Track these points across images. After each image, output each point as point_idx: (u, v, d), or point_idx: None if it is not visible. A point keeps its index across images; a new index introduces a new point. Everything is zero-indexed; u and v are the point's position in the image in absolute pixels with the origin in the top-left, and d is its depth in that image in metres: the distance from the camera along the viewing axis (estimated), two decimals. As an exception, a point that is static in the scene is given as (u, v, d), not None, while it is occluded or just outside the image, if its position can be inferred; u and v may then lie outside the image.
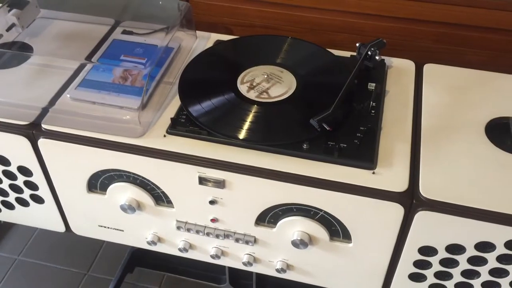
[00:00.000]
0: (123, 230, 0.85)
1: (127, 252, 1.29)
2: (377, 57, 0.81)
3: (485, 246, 0.68)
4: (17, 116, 0.76)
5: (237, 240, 0.79)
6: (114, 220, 0.84)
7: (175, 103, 0.78)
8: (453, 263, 0.71)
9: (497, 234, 0.66)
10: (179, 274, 1.29)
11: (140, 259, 1.30)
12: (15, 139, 0.76)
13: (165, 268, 1.30)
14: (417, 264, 0.73)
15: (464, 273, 0.72)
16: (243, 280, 1.22)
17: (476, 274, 0.72)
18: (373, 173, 0.68)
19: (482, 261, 0.70)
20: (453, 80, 0.84)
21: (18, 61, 0.85)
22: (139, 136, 0.73)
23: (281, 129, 0.73)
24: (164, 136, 0.73)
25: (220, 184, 0.72)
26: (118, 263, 1.29)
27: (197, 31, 0.93)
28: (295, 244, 0.74)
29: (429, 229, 0.68)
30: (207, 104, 0.76)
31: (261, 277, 1.18)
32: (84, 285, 1.31)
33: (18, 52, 0.87)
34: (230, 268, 1.20)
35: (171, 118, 0.74)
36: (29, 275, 1.33)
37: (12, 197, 0.86)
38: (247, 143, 0.71)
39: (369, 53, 0.81)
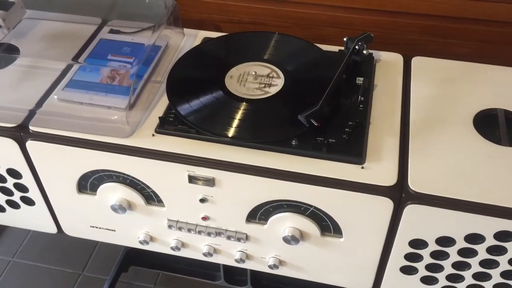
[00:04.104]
0: (114, 230, 0.85)
1: (121, 251, 1.29)
2: (364, 51, 0.81)
3: (474, 238, 0.68)
4: (4, 118, 0.76)
5: (228, 237, 0.79)
6: (105, 220, 0.84)
7: (163, 102, 0.78)
8: (444, 256, 0.72)
9: (486, 225, 0.66)
10: (174, 272, 1.29)
11: (135, 258, 1.30)
12: (3, 142, 0.75)
13: (160, 266, 1.30)
14: (408, 257, 0.73)
15: (455, 265, 0.73)
16: (238, 276, 1.22)
17: (467, 266, 0.72)
18: (362, 167, 0.69)
19: (472, 253, 0.70)
20: (441, 72, 0.84)
21: (5, 63, 0.84)
22: (127, 136, 0.73)
23: (269, 126, 0.73)
24: (153, 135, 0.73)
25: (210, 182, 0.72)
26: (112, 262, 1.29)
27: (184, 29, 0.93)
28: (286, 240, 0.74)
29: (419, 222, 0.68)
30: (196, 102, 0.76)
31: (255, 273, 1.18)
32: (79, 285, 1.31)
33: (4, 54, 0.86)
34: (225, 265, 1.20)
35: (160, 117, 0.74)
36: (24, 277, 1.33)
37: (2, 199, 0.86)
38: (236, 141, 0.71)
39: (356, 47, 0.81)
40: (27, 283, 1.31)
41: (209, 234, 0.79)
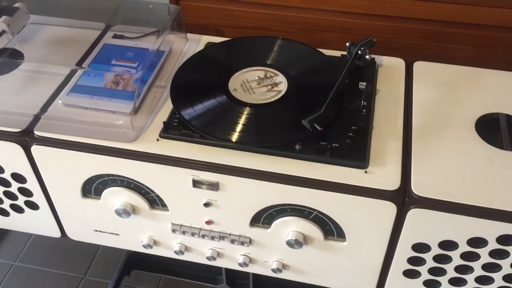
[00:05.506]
0: (118, 234, 0.86)
1: (123, 255, 1.29)
2: (367, 56, 0.82)
3: (477, 242, 0.69)
4: (10, 123, 0.76)
5: (232, 241, 0.79)
6: (109, 224, 0.84)
7: (167, 107, 0.79)
8: (447, 259, 0.72)
9: (489, 229, 0.67)
10: (176, 276, 1.29)
11: (137, 262, 1.30)
12: (8, 146, 0.76)
13: (162, 270, 1.30)
14: (411, 260, 0.74)
15: (458, 269, 0.73)
16: (240, 280, 1.23)
17: (470, 270, 0.73)
18: (366, 172, 0.69)
19: (475, 257, 0.71)
20: (443, 77, 0.85)
21: (9, 68, 0.85)
22: (132, 141, 0.73)
23: (273, 131, 0.74)
24: (157, 140, 0.74)
25: (214, 186, 0.72)
26: (115, 266, 1.29)
27: (188, 34, 0.93)
28: (290, 244, 0.75)
29: (422, 226, 0.68)
30: (199, 107, 0.76)
31: (258, 277, 1.18)
32: (81, 289, 1.31)
33: (9, 59, 0.87)
34: (227, 269, 1.20)
35: (164, 122, 0.74)
36: (26, 281, 1.33)
37: (6, 204, 0.86)
38: (240, 145, 0.72)
39: (359, 52, 0.81)
40: (29, 287, 1.31)
41: (212, 238, 0.80)
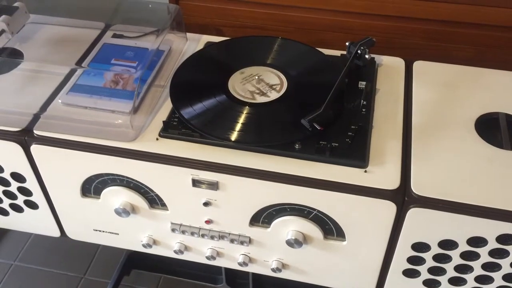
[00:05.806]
0: (118, 234, 0.86)
1: (123, 255, 1.29)
2: (367, 56, 0.82)
3: (477, 241, 0.69)
4: (9, 122, 0.76)
5: (232, 240, 0.79)
6: (109, 224, 0.84)
7: (167, 106, 0.79)
8: (446, 259, 0.72)
9: (489, 229, 0.67)
10: (176, 276, 1.29)
11: (137, 261, 1.30)
12: (7, 146, 0.76)
13: (162, 269, 1.30)
14: (411, 260, 0.74)
15: (457, 268, 0.73)
16: (240, 279, 1.23)
17: (469, 269, 0.73)
18: (365, 171, 0.69)
19: (475, 256, 0.71)
20: (443, 76, 0.85)
21: (9, 67, 0.85)
22: (131, 140, 0.73)
23: (272, 130, 0.74)
24: (157, 139, 0.74)
25: (213, 186, 0.72)
26: (114, 265, 1.29)
27: (187, 33, 0.93)
28: (289, 243, 0.75)
29: (422, 225, 0.68)
30: (199, 106, 0.76)
31: (257, 277, 1.18)
32: (81, 289, 1.31)
33: (8, 58, 0.87)
34: (227, 268, 1.20)
35: (163, 121, 0.74)
36: (26, 280, 1.33)
37: (6, 203, 0.86)
38: (240, 145, 0.72)
39: (359, 51, 0.81)
40: (29, 287, 1.31)
41: (212, 237, 0.80)
